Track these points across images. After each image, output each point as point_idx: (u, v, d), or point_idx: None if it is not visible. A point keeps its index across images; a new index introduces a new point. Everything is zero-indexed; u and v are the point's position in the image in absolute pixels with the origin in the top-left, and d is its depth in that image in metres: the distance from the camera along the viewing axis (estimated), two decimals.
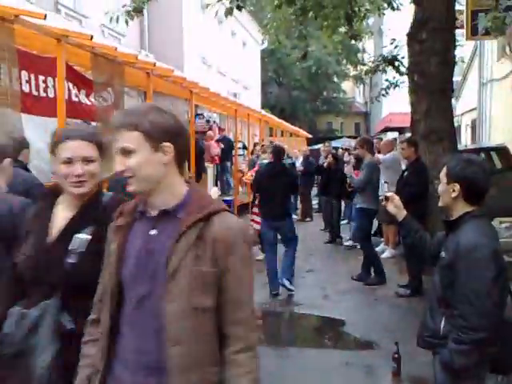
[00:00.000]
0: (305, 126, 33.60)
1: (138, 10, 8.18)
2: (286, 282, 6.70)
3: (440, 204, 2.69)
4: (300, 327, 6.14)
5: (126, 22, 8.08)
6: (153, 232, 1.67)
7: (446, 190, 2.59)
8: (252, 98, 23.85)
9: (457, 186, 2.55)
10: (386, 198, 2.98)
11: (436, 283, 2.60)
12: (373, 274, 7.45)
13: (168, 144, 1.68)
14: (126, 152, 1.66)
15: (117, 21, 8.04)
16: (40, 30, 5.69)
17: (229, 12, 7.92)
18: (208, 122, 16.06)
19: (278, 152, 7.09)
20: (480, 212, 2.57)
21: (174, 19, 16.28)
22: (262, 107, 24.68)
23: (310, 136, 27.15)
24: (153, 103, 1.92)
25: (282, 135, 22.34)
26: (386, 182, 7.79)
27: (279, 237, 6.95)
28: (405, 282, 6.93)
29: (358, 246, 8.88)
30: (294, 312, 6.38)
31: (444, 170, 2.61)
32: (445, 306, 2.52)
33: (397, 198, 2.93)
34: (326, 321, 6.06)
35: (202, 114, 15.98)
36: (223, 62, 21.04)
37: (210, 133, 14.32)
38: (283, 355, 4.95)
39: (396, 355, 4.38)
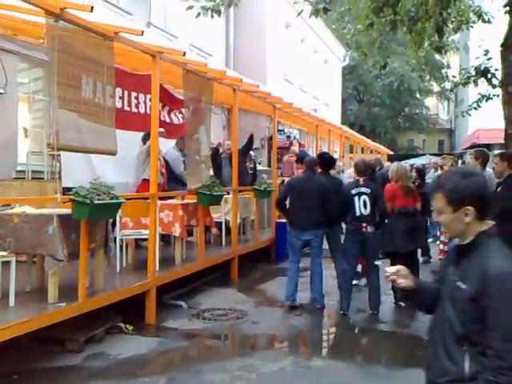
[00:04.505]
0: (384, 143, 32.99)
1: (215, 10, 8.25)
2: None
3: (450, 235, 2.35)
4: (384, 345, 5.96)
5: (205, 14, 8.12)
6: None
7: (457, 218, 2.17)
8: (332, 115, 23.75)
9: (470, 209, 2.14)
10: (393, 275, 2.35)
11: (449, 318, 2.15)
12: None
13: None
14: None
15: (203, 10, 8.12)
16: (136, 46, 5.95)
17: (315, 14, 7.88)
18: (288, 137, 16.17)
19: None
20: (493, 229, 2.22)
21: (258, 39, 16.59)
22: (342, 124, 24.52)
23: (391, 153, 26.64)
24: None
25: (363, 152, 22.07)
26: None
27: None
28: None
29: None
30: (378, 329, 6.23)
31: (440, 197, 2.18)
32: (468, 343, 2.09)
33: (403, 268, 2.36)
34: (414, 340, 5.85)
35: (282, 130, 16.12)
36: (305, 79, 21.15)
37: (293, 148, 14.38)
38: (371, 373, 4.82)
39: None
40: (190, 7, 7.94)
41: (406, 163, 15.66)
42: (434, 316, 2.28)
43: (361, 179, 6.73)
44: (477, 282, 2.04)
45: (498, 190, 6.57)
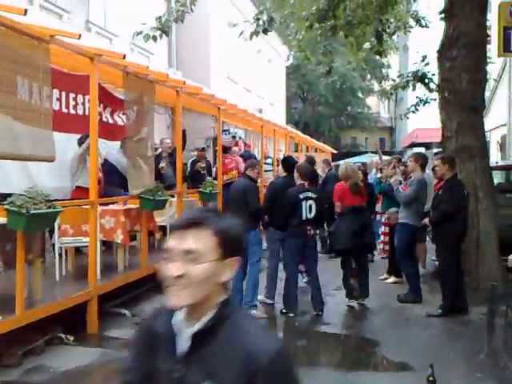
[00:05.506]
0: (329, 142, 33.49)
1: (163, 31, 8.27)
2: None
3: (188, 300, 1.43)
4: (330, 347, 6.04)
5: (154, 39, 8.16)
6: None
7: (220, 271, 1.46)
8: (277, 114, 23.88)
9: (233, 260, 1.48)
10: None
11: None
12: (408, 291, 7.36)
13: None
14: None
15: (145, 39, 8.13)
16: (74, 49, 5.78)
17: (255, 34, 7.99)
18: (234, 137, 16.11)
19: None
20: (231, 296, 1.55)
21: (201, 37, 16.47)
22: (286, 123, 24.70)
23: (334, 151, 27.08)
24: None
25: (308, 151, 22.31)
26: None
27: None
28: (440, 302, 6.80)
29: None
30: (323, 331, 6.30)
31: (204, 235, 1.44)
32: None
33: None
34: (357, 341, 5.96)
35: (227, 130, 16.05)
36: (249, 78, 21.17)
37: (235, 149, 14.30)
38: (314, 376, 4.87)
39: (431, 378, 4.26)
40: (139, 33, 7.90)
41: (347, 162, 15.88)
42: None
43: (306, 183, 6.82)
44: (239, 377, 1.40)
45: (440, 192, 6.81)
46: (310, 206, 6.66)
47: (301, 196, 6.66)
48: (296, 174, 6.91)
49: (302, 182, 6.82)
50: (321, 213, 6.83)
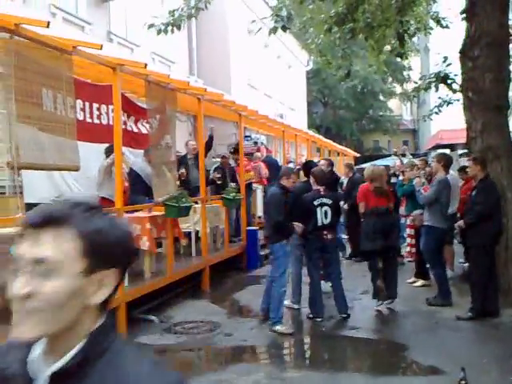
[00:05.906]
0: (351, 146, 33.31)
1: (175, 25, 8.28)
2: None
3: (41, 332, 1.03)
4: (358, 352, 5.98)
5: (166, 32, 8.17)
6: None
7: (85, 290, 1.04)
8: (298, 119, 23.87)
9: (115, 273, 1.09)
10: None
11: None
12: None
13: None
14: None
15: (162, 32, 8.16)
16: (96, 59, 5.86)
17: (273, 31, 7.98)
18: (256, 143, 16.15)
19: None
20: (111, 321, 1.12)
21: (221, 44, 16.57)
22: (308, 127, 24.65)
23: (357, 155, 26.92)
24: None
25: (330, 155, 22.22)
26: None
27: None
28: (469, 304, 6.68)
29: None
30: (350, 336, 6.24)
31: (58, 236, 1.05)
32: None
33: None
34: (386, 345, 5.88)
35: (249, 136, 16.09)
36: (269, 84, 21.22)
37: (257, 154, 14.33)
38: (343, 381, 4.82)
39: (463, 382, 4.19)
40: (151, 25, 7.94)
41: (374, 164, 15.86)
42: None
43: (321, 189, 6.75)
44: None
45: (473, 193, 6.74)
46: (326, 212, 6.62)
47: (315, 203, 6.62)
48: (312, 179, 6.82)
49: (318, 187, 6.74)
50: (335, 218, 6.84)
